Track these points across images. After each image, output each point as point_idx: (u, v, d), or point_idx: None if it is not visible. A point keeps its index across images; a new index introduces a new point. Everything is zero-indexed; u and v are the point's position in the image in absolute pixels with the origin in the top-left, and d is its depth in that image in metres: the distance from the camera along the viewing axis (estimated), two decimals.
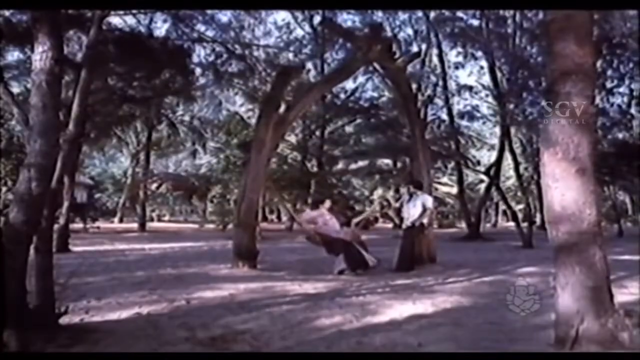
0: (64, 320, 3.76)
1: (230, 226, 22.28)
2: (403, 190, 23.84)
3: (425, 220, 8.36)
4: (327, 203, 8.75)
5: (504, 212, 37.85)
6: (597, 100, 16.98)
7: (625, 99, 17.37)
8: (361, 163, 25.99)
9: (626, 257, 9.33)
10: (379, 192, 33.81)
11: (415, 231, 8.32)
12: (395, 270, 7.93)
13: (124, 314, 4.38)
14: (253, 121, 20.68)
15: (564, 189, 3.12)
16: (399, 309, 4.71)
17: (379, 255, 8.03)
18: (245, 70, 15.18)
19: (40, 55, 3.56)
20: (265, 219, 27.53)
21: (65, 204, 11.03)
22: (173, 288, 5.88)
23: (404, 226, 8.77)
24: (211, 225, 22.92)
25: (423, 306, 4.86)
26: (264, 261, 8.45)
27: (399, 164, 24.02)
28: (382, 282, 6.64)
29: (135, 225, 22.17)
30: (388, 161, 26.61)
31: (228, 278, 6.88)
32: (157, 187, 25.31)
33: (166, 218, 32.54)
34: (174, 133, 23.07)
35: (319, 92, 9.07)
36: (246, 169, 8.41)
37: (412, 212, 8.39)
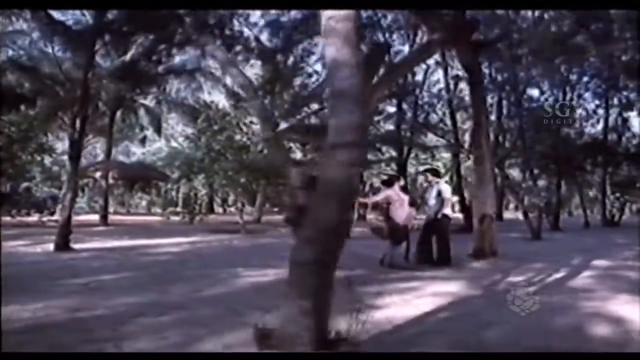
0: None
1: (198, 218, 20.48)
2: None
3: (447, 211, 7.88)
4: (402, 181, 8.04)
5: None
6: (568, 98, 17.89)
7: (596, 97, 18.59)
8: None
9: None
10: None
11: (444, 223, 7.79)
12: (436, 265, 7.44)
13: None
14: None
15: None
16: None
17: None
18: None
19: None
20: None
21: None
22: None
23: (425, 218, 8.16)
24: (176, 218, 21.06)
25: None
26: None
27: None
28: (485, 280, 6.29)
29: (91, 218, 19.74)
30: None
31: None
32: (102, 177, 22.75)
33: (111, 210, 29.51)
34: (130, 117, 20.76)
35: (402, 71, 8.42)
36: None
37: (431, 203, 7.95)
